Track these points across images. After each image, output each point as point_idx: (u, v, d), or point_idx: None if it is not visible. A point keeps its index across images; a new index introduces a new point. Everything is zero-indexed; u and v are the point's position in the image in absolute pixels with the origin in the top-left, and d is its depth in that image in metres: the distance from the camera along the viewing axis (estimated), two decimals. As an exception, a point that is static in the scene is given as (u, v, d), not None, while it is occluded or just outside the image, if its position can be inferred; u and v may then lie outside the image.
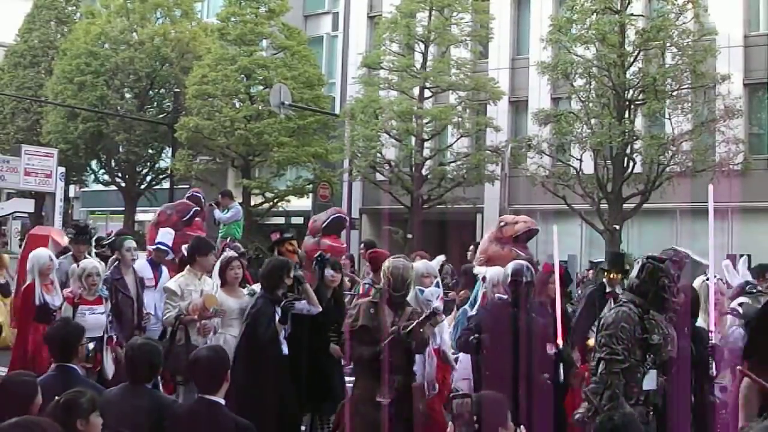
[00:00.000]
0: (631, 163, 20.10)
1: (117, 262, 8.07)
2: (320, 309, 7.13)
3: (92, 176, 33.26)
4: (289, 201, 26.69)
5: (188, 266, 7.52)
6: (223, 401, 4.50)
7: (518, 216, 10.14)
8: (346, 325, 6.23)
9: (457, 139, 23.91)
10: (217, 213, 11.88)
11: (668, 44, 19.74)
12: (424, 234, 23.37)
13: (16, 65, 33.35)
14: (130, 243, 8.06)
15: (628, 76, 19.85)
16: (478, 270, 7.96)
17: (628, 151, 19.89)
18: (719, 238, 20.36)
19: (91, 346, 6.88)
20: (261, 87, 25.65)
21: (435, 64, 23.58)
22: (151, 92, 30.13)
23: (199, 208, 10.88)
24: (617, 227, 20.00)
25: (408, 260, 6.52)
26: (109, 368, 7.24)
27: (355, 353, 6.03)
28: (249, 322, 6.73)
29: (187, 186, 28.90)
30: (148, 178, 30.66)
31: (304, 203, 27.77)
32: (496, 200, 24.05)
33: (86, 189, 36.64)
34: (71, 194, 35.54)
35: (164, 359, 6.78)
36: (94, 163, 31.99)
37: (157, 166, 30.53)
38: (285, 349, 6.79)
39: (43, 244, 9.74)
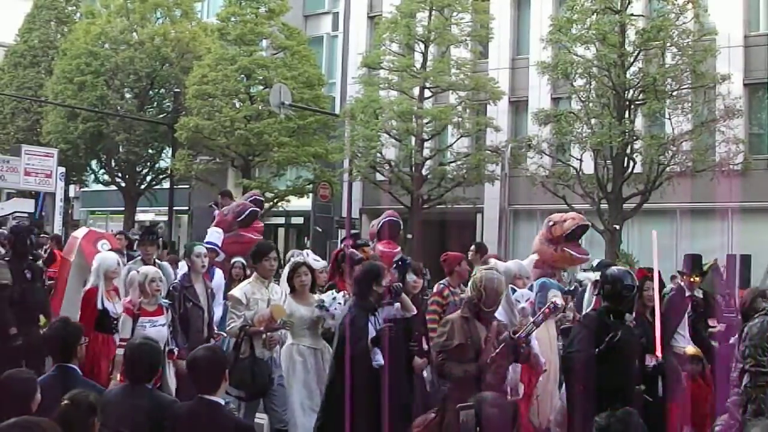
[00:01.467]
0: (631, 163, 20.09)
1: (186, 269, 7.57)
2: (415, 311, 6.62)
3: (92, 176, 33.28)
4: (289, 201, 26.69)
5: (255, 273, 7.08)
6: (222, 401, 4.50)
7: (565, 214, 9.62)
8: (437, 344, 5.70)
9: (457, 139, 23.90)
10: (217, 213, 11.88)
11: (668, 44, 19.73)
12: (424, 234, 23.37)
13: (16, 65, 33.38)
14: (201, 249, 7.53)
15: (628, 76, 19.84)
16: (584, 276, 7.49)
17: (628, 151, 19.88)
18: (719, 238, 20.49)
19: None
20: (261, 87, 25.65)
21: (435, 64, 23.58)
22: (151, 92, 30.13)
23: (257, 209, 10.41)
24: (617, 227, 19.99)
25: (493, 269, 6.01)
26: (172, 383, 6.80)
27: (454, 372, 5.53)
28: (341, 332, 6.25)
29: (187, 186, 29.16)
30: (148, 178, 30.67)
31: (304, 203, 27.78)
32: (496, 200, 24.06)
33: (86, 189, 36.65)
34: (71, 194, 35.53)
35: (228, 373, 6.54)
36: (94, 163, 32.00)
37: (157, 166, 30.54)
38: (380, 360, 6.21)
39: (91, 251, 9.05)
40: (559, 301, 6.09)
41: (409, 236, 22.52)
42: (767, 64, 22.23)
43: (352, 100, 24.83)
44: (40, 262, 9.57)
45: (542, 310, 5.91)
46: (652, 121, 21.72)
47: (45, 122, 30.05)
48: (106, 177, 31.34)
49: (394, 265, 7.19)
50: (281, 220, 30.59)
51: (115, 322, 7.16)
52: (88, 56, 28.52)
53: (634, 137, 19.90)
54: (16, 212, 30.66)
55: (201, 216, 25.86)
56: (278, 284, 7.26)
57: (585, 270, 9.00)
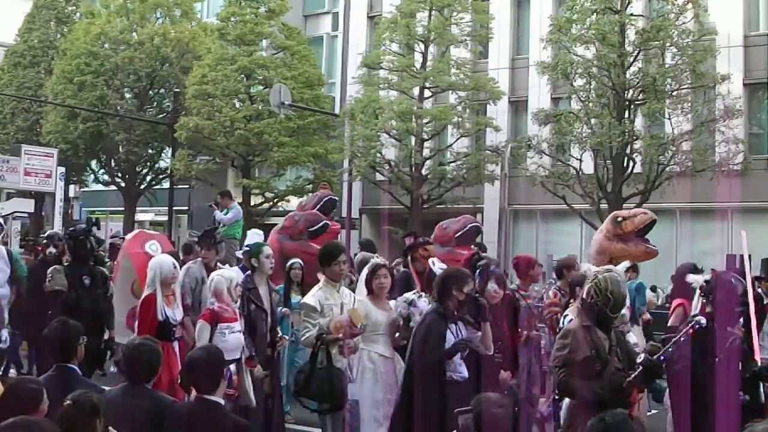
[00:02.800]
0: (631, 163, 20.10)
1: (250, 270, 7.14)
2: (491, 352, 6.05)
3: (92, 176, 33.29)
4: (289, 201, 26.66)
5: (324, 277, 6.68)
6: (222, 401, 4.50)
7: (631, 210, 9.33)
8: (558, 357, 5.10)
9: (457, 139, 23.91)
10: (218, 214, 11.91)
11: (668, 44, 19.74)
12: (424, 234, 23.30)
13: (16, 65, 33.36)
14: (269, 250, 7.18)
15: (628, 76, 19.86)
16: (693, 278, 6.99)
17: (628, 151, 19.90)
18: (718, 238, 20.49)
19: (233, 368, 6.29)
20: (261, 87, 25.66)
21: (435, 64, 23.58)
22: (151, 92, 30.14)
23: (328, 223, 9.72)
24: (617, 227, 19.97)
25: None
26: (251, 391, 6.52)
27: (582, 393, 4.97)
28: (416, 340, 5.77)
29: (187, 186, 29.16)
30: (148, 178, 30.68)
31: (304, 203, 27.78)
32: (496, 200, 24.06)
33: (86, 189, 36.66)
34: (71, 194, 35.53)
35: (305, 385, 6.28)
36: (94, 163, 32.01)
37: (157, 166, 30.55)
38: (465, 372, 5.77)
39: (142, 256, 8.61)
40: (703, 320, 5.49)
41: (409, 236, 22.50)
42: (767, 64, 22.23)
43: (352, 100, 24.84)
44: (105, 268, 9.13)
45: (685, 329, 5.32)
46: (652, 121, 21.73)
47: (45, 122, 30.05)
48: (106, 177, 31.35)
49: (477, 272, 6.65)
50: (281, 220, 30.56)
51: (174, 329, 6.91)
52: (87, 56, 28.52)
53: (634, 137, 19.92)
54: (16, 212, 30.69)
55: (201, 216, 25.87)
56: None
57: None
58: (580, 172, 20.29)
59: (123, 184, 30.35)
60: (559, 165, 21.42)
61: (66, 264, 8.40)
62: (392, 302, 6.50)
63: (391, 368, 6.40)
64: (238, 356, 6.42)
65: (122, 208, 30.72)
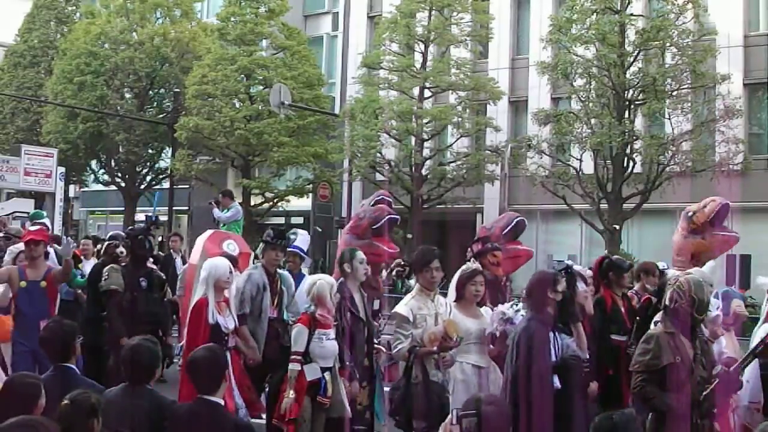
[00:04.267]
0: (631, 163, 20.10)
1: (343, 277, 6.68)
2: (587, 356, 5.84)
3: (92, 176, 33.30)
4: (289, 201, 26.70)
5: (417, 285, 6.19)
6: (222, 401, 4.50)
7: (701, 201, 8.74)
8: (641, 362, 4.87)
9: (457, 139, 23.92)
10: (217, 212, 11.87)
11: (668, 44, 19.74)
12: (424, 234, 23.36)
13: (16, 65, 33.40)
14: (362, 255, 6.71)
15: (628, 76, 19.85)
16: (763, 281, 6.72)
17: (628, 151, 19.89)
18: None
19: (327, 376, 6.10)
20: (261, 87, 25.66)
21: (435, 64, 23.59)
22: (151, 92, 30.16)
23: (396, 217, 8.86)
24: (617, 227, 20.00)
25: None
26: (346, 402, 6.20)
27: (662, 404, 4.74)
28: (521, 350, 5.39)
29: (187, 186, 29.17)
30: (148, 178, 30.69)
31: (304, 203, 27.78)
32: (496, 200, 24.05)
33: (86, 189, 36.67)
34: (71, 194, 35.55)
35: (400, 403, 5.86)
36: (94, 163, 32.04)
37: (157, 166, 30.57)
38: (557, 382, 5.51)
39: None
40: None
41: (409, 236, 22.53)
42: (767, 64, 22.23)
43: (352, 100, 24.85)
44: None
45: (764, 339, 5.12)
46: (652, 121, 21.73)
47: (45, 122, 30.07)
48: (105, 177, 31.36)
49: (563, 273, 6.15)
50: (281, 220, 30.58)
51: (227, 337, 6.45)
52: (87, 56, 28.54)
53: (634, 137, 19.91)
54: (16, 212, 30.69)
55: (201, 216, 25.86)
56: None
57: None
58: (580, 172, 20.29)
59: (123, 184, 30.37)
60: (559, 165, 21.42)
61: (123, 264, 8.04)
62: (484, 309, 6.16)
63: (485, 379, 6.03)
64: (332, 364, 6.17)
65: (122, 208, 30.73)
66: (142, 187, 30.50)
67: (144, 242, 7.96)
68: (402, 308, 6.00)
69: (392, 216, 8.25)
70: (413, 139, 23.42)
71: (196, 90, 25.26)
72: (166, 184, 28.80)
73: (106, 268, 7.95)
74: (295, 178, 26.72)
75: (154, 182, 30.67)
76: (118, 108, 28.97)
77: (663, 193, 19.64)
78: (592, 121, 20.08)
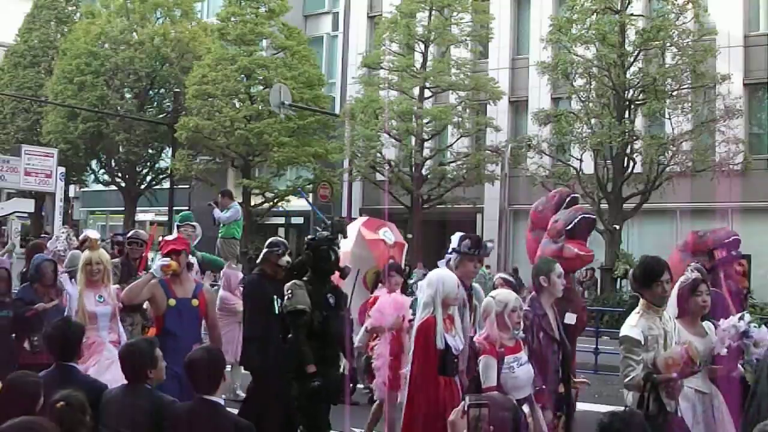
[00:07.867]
0: (631, 163, 20.12)
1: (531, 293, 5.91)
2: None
3: (92, 176, 33.32)
4: (289, 201, 26.71)
5: (643, 301, 5.28)
6: (222, 401, 4.50)
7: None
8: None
9: (457, 139, 23.93)
10: (217, 213, 11.87)
11: (668, 44, 19.77)
12: (424, 234, 23.38)
13: (16, 65, 33.41)
14: (560, 268, 5.86)
15: (628, 76, 19.88)
16: None
17: (628, 151, 19.91)
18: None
19: (526, 409, 5.17)
20: (261, 87, 25.68)
21: (435, 64, 23.60)
22: (151, 92, 30.19)
23: (592, 217, 7.76)
24: (617, 227, 20.01)
25: None
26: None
27: None
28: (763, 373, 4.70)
29: (187, 186, 29.17)
30: (148, 178, 30.71)
31: (304, 203, 27.76)
32: (496, 200, 24.08)
33: (86, 189, 36.69)
34: (71, 194, 35.56)
35: None
36: (94, 163, 32.06)
37: (157, 166, 30.58)
38: None
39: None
40: None
41: (409, 236, 22.54)
42: (767, 64, 22.24)
43: (352, 100, 24.86)
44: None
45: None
46: (652, 121, 21.75)
47: (45, 122, 30.08)
48: (106, 177, 31.38)
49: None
50: (281, 220, 30.60)
51: (456, 361, 5.55)
52: (88, 56, 28.55)
53: (634, 137, 19.93)
54: (16, 212, 30.69)
55: (201, 216, 25.83)
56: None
57: None
58: (580, 172, 20.30)
59: (123, 184, 30.38)
60: (559, 165, 21.43)
61: (305, 279, 6.66)
62: (706, 324, 5.43)
63: (710, 406, 5.34)
64: (529, 393, 5.34)
65: (122, 208, 30.75)
66: (142, 187, 30.50)
67: (329, 254, 6.70)
68: (632, 330, 5.16)
69: (587, 215, 7.41)
70: (413, 139, 23.43)
71: (196, 90, 25.27)
72: (166, 184, 28.80)
73: (288, 284, 6.61)
74: (296, 178, 26.75)
75: (154, 182, 30.68)
76: (118, 108, 28.98)
77: (663, 193, 19.66)
78: (592, 121, 20.10)
